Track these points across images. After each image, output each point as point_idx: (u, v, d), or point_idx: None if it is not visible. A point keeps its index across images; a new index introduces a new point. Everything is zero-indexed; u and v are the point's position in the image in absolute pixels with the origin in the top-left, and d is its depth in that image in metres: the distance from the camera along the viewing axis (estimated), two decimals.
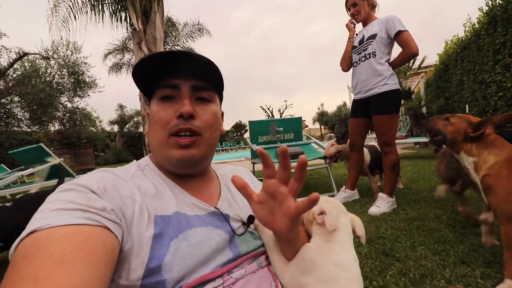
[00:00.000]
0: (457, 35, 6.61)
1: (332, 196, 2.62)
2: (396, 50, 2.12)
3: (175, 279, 0.42)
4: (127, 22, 5.75)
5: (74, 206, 0.38)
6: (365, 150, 2.49)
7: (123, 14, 5.73)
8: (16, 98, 7.74)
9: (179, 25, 11.34)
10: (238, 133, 33.91)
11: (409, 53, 1.98)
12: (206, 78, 0.55)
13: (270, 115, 32.57)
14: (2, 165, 7.54)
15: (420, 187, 2.69)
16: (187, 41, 11.77)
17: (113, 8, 5.64)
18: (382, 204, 2.02)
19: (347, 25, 2.33)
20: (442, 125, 1.21)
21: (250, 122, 3.58)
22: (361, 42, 2.19)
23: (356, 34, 2.30)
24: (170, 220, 0.47)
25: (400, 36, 1.98)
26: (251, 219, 0.58)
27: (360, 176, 2.50)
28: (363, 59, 2.16)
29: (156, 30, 5.01)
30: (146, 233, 0.43)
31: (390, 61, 2.13)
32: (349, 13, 2.27)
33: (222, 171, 0.71)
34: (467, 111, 5.11)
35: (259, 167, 4.53)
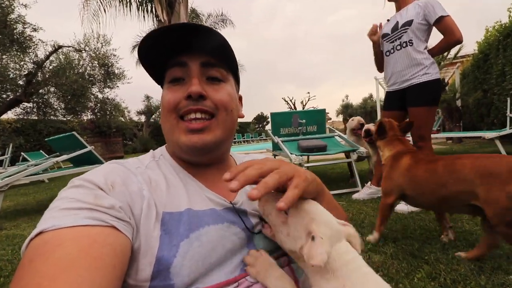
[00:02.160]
0: (500, 21, 6.01)
1: (356, 192, 2.53)
2: (434, 37, 1.95)
3: (185, 283, 0.39)
4: (153, 13, 5.86)
5: (81, 205, 0.36)
6: None
7: (149, 7, 5.85)
8: (52, 89, 8.24)
9: (203, 16, 11.39)
10: (260, 125, 33.86)
11: (453, 40, 1.80)
12: (217, 54, 0.50)
13: (293, 107, 32.14)
14: (41, 151, 8.16)
15: None
16: None
17: (139, 0, 5.76)
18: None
19: (369, 37, 2.17)
20: (373, 127, 1.60)
21: (272, 114, 3.54)
22: (394, 29, 2.01)
23: (388, 20, 2.13)
24: (180, 217, 0.43)
25: (442, 22, 1.80)
26: None
27: None
28: (398, 47, 1.99)
29: (181, 21, 5.05)
30: (153, 232, 0.40)
31: (428, 48, 1.95)
32: None
33: (244, 160, 0.66)
34: (508, 105, 4.68)
35: (279, 159, 4.49)
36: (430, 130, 1.97)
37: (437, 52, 1.93)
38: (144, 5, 5.70)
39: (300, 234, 0.40)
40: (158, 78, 0.54)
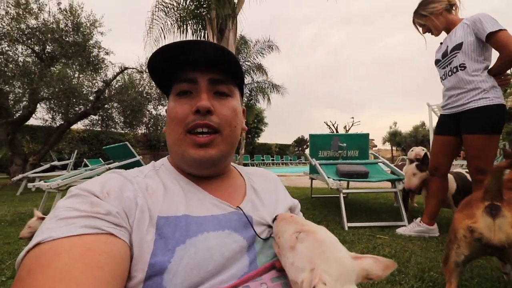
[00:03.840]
0: None
1: (403, 226, 2.28)
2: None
3: None
4: (205, 39, 6.39)
5: (78, 214, 0.36)
6: (450, 176, 2.11)
7: (202, 33, 6.42)
8: (115, 104, 9.30)
9: (251, 42, 12.05)
10: (300, 148, 33.42)
11: (508, 58, 1.57)
12: (225, 71, 0.51)
13: (335, 132, 31.26)
14: (100, 159, 9.12)
15: None
16: (257, 57, 12.38)
17: (195, 27, 6.36)
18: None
19: None
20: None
21: (311, 136, 3.47)
22: (444, 55, 1.86)
23: (441, 44, 1.96)
24: (177, 222, 0.43)
25: (493, 39, 1.58)
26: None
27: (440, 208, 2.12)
28: (450, 73, 1.82)
29: (229, 46, 5.40)
30: (147, 236, 0.40)
31: (490, 67, 1.71)
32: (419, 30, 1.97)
33: (248, 171, 0.66)
34: None
35: (316, 183, 4.31)
36: (491, 163, 1.68)
37: (497, 72, 1.67)
38: (198, 32, 6.32)
39: (303, 266, 0.37)
40: (165, 88, 0.56)
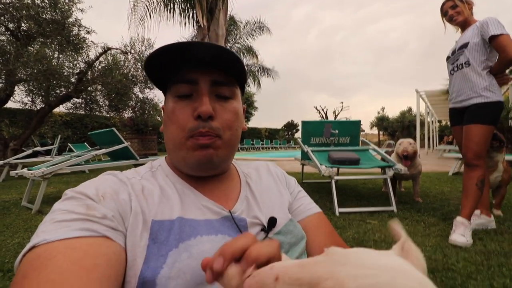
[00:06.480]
0: None
1: (391, 211, 2.36)
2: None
3: None
4: (193, 19, 6.12)
5: (73, 216, 0.36)
6: None
7: (191, 13, 6.13)
8: (99, 87, 8.92)
9: (241, 23, 11.67)
10: (289, 132, 33.59)
11: (505, 60, 1.72)
12: (228, 72, 0.49)
13: (324, 116, 31.50)
14: (85, 143, 8.86)
15: (504, 215, 2.23)
16: (247, 39, 12.06)
17: (182, 6, 6.07)
18: (466, 232, 1.69)
19: None
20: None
21: (303, 122, 3.46)
22: (453, 52, 2.00)
23: (456, 42, 2.06)
24: (172, 226, 0.42)
25: (494, 41, 1.73)
26: (272, 222, 0.50)
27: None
28: (456, 69, 1.97)
29: (219, 27, 5.20)
30: (140, 241, 0.39)
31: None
32: (444, 19, 2.04)
33: (246, 168, 0.63)
34: None
35: (307, 168, 4.37)
36: (486, 150, 1.87)
37: (497, 71, 1.82)
38: (186, 11, 6.03)
39: None
40: (160, 82, 0.53)
